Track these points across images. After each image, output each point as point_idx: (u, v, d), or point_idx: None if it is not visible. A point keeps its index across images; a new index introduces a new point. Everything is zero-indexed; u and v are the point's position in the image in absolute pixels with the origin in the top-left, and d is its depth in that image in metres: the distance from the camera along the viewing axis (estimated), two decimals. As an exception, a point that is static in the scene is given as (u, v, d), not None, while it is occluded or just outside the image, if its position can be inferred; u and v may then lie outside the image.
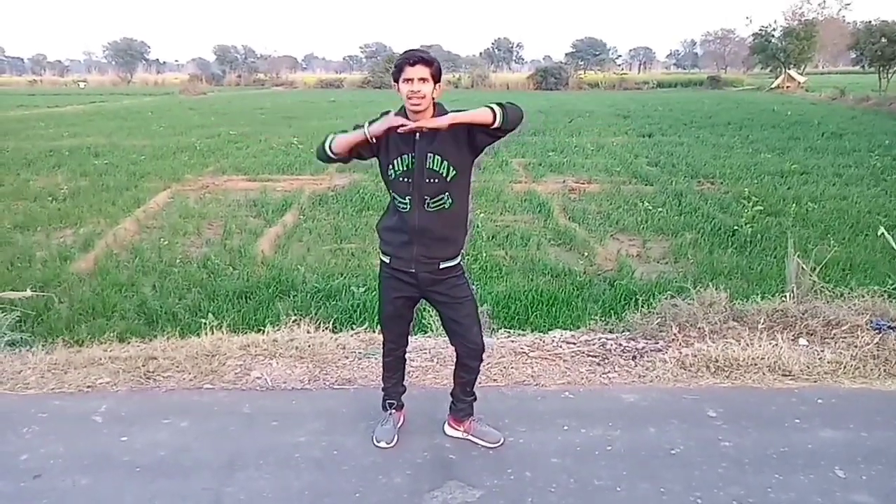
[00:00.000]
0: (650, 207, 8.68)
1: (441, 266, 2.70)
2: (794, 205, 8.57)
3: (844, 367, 3.63)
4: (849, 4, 46.46)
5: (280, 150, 14.55)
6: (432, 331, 4.27)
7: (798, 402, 3.32)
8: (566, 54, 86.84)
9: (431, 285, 2.74)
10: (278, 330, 4.10)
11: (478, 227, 7.82)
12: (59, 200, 9.44)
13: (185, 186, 10.54)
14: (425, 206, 2.61)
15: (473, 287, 2.88)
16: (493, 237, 7.42)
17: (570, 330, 4.34)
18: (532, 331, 4.35)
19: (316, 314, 4.44)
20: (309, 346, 3.86)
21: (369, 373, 3.63)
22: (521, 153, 13.89)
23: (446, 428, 3.05)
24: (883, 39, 28.78)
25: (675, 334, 3.98)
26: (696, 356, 3.73)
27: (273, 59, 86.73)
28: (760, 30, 43.30)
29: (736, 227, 7.45)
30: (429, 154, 2.55)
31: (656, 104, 28.89)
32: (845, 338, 3.87)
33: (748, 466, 2.78)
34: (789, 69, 41.63)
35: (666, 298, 4.43)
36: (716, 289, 4.37)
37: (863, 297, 4.27)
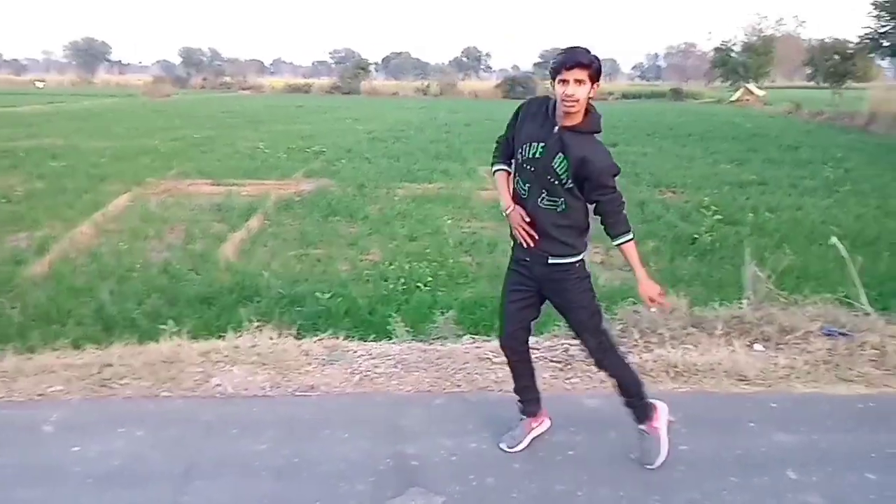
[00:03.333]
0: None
1: (550, 261, 2.65)
2: (751, 214, 8.80)
3: (797, 372, 3.73)
4: (804, 22, 48.34)
5: (246, 155, 14.38)
6: (396, 336, 4.26)
7: (753, 406, 3.40)
8: (534, 64, 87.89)
9: (544, 281, 2.71)
10: (240, 336, 4.02)
11: (445, 233, 7.84)
12: (13, 203, 9.16)
13: (147, 190, 10.33)
14: (540, 199, 2.60)
15: (595, 297, 2.78)
16: (460, 243, 7.45)
17: (535, 336, 4.37)
18: (497, 337, 4.36)
19: (280, 320, 4.39)
20: (271, 352, 3.81)
21: (332, 379, 3.59)
22: (488, 161, 13.95)
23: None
24: (836, 56, 29.86)
25: (636, 340, 4.04)
26: (656, 362, 3.79)
27: (240, 63, 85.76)
28: (721, 44, 44.51)
29: (696, 236, 7.62)
30: (559, 154, 2.54)
31: (621, 115, 29.37)
32: (798, 344, 3.98)
33: (705, 470, 2.84)
34: (748, 83, 42.83)
35: (628, 305, 4.50)
36: (676, 296, 4.45)
37: (815, 304, 4.40)
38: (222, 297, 5.58)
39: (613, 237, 2.63)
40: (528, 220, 2.62)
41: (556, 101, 2.53)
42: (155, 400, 3.38)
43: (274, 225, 8.21)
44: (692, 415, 3.29)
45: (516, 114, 2.73)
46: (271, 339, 3.96)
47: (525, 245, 2.65)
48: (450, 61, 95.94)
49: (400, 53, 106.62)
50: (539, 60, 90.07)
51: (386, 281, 6.06)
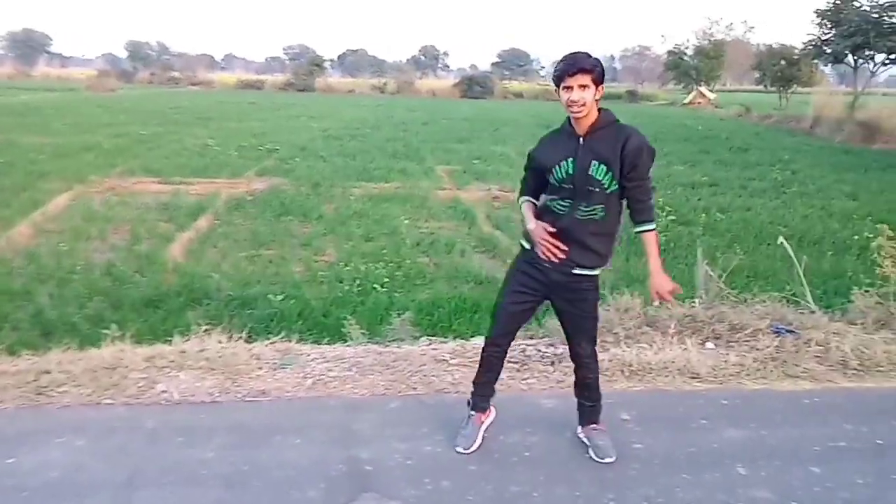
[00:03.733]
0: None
1: (574, 271, 2.68)
2: (703, 215, 9.01)
3: (747, 369, 3.81)
4: (753, 28, 49.68)
5: (195, 152, 13.98)
6: (351, 339, 4.18)
7: (705, 403, 3.45)
8: (492, 64, 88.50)
9: (559, 289, 2.72)
10: (188, 340, 3.89)
11: (402, 233, 7.77)
12: (-56, 201, 8.68)
13: (90, 188, 9.93)
14: (578, 212, 2.59)
15: (600, 309, 2.88)
16: (417, 244, 7.39)
17: (492, 336, 4.35)
18: (455, 338, 4.34)
19: (230, 323, 4.26)
20: (220, 356, 3.68)
21: (284, 384, 3.50)
22: (446, 160, 13.96)
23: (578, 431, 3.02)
24: (782, 62, 30.90)
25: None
26: (611, 361, 3.82)
27: (189, 58, 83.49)
28: (674, 48, 45.58)
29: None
30: (593, 161, 2.53)
31: (577, 116, 29.77)
32: (748, 341, 4.08)
33: (658, 467, 2.86)
34: (700, 86, 44.01)
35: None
36: (631, 295, 4.51)
37: (764, 302, 4.51)
38: (169, 299, 5.39)
39: (637, 223, 2.64)
40: (552, 230, 2.63)
41: (566, 121, 2.60)
42: (96, 408, 3.23)
43: (224, 225, 7.99)
44: (646, 413, 3.32)
45: (531, 153, 2.74)
46: (220, 342, 3.83)
47: (551, 260, 2.64)
48: (407, 59, 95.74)
49: (356, 51, 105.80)
50: (497, 60, 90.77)
51: (341, 282, 5.96)
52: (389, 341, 4.19)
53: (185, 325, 4.48)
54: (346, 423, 3.13)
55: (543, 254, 2.64)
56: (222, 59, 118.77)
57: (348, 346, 4.05)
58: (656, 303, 2.87)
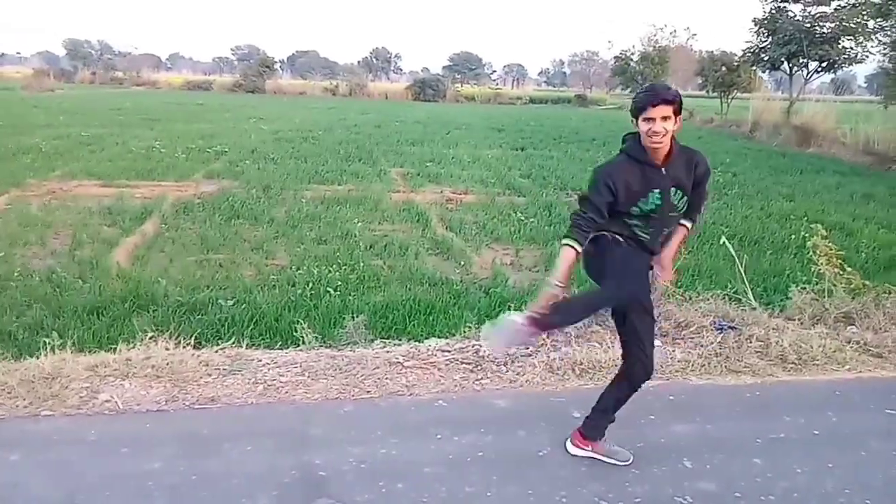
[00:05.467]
0: (523, 218, 9.00)
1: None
2: (650, 216, 9.23)
3: (692, 365, 3.94)
4: (695, 35, 51.12)
5: (140, 154, 13.54)
6: (304, 343, 4.13)
7: (653, 399, 3.54)
8: (444, 67, 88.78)
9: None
10: (133, 348, 3.77)
11: (355, 236, 7.71)
12: None
13: (27, 192, 9.50)
14: (662, 234, 2.69)
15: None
16: (371, 246, 7.34)
17: (446, 338, 4.37)
18: (409, 340, 4.33)
19: (177, 330, 4.14)
20: (167, 364, 3.59)
21: (234, 390, 3.43)
22: (399, 163, 13.93)
23: (569, 446, 2.97)
24: (723, 68, 31.96)
25: (544, 339, 4.12)
26: (563, 360, 3.89)
27: (133, 57, 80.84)
28: (621, 53, 46.60)
29: (600, 237, 7.90)
30: (673, 189, 2.59)
31: (529, 119, 30.19)
32: (693, 338, 4.21)
33: (608, 463, 2.92)
34: (646, 91, 45.13)
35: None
36: (581, 295, 4.59)
37: (707, 300, 4.68)
38: (114, 306, 5.20)
39: (686, 217, 2.75)
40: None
41: (635, 149, 2.57)
42: (34, 420, 3.10)
43: (171, 229, 7.77)
44: (597, 410, 3.38)
45: (604, 183, 2.56)
46: (167, 349, 3.73)
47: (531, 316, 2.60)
48: (359, 61, 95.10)
49: (307, 52, 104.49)
50: (449, 63, 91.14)
51: (293, 286, 5.87)
52: (343, 345, 4.16)
53: (131, 332, 4.34)
54: (298, 429, 3.09)
55: (538, 305, 2.59)
56: (168, 59, 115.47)
57: (301, 350, 4.00)
58: (663, 281, 2.99)
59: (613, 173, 2.57)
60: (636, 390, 2.87)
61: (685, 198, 2.66)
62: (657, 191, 2.57)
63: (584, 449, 2.94)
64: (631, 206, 2.58)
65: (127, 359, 3.63)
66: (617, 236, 2.66)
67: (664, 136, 2.49)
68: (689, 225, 2.78)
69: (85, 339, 4.39)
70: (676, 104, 2.49)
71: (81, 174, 11.07)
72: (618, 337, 2.87)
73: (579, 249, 2.55)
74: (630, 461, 2.91)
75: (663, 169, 2.58)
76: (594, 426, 2.93)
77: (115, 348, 3.79)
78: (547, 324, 2.67)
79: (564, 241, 2.56)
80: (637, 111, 2.51)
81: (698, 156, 2.69)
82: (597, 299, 2.83)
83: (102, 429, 3.04)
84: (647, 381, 2.85)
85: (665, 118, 2.47)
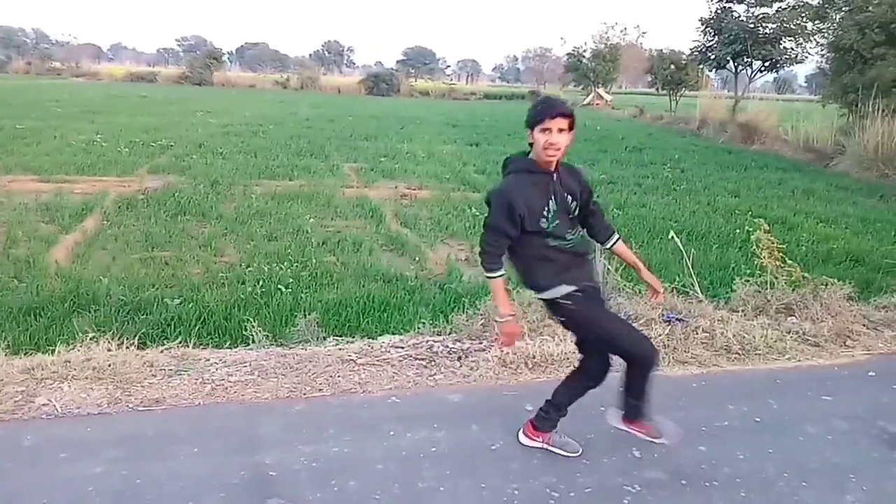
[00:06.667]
0: (477, 213, 9.02)
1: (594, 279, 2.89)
2: (601, 211, 9.39)
3: (641, 357, 4.01)
4: (645, 33, 52.33)
5: (80, 148, 13.00)
6: (254, 342, 4.05)
7: (602, 390, 3.58)
8: (397, 61, 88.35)
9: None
10: (72, 349, 3.62)
11: (307, 232, 7.60)
12: None
13: (-43, 187, 9.03)
14: (573, 239, 2.72)
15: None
16: (323, 243, 7.24)
17: (400, 335, 4.35)
18: (363, 337, 4.29)
19: (120, 330, 4.00)
20: (109, 365, 3.46)
21: (180, 391, 3.34)
22: (353, 158, 13.78)
23: (521, 437, 3.01)
24: (672, 66, 32.76)
25: (497, 334, 4.14)
26: (515, 354, 3.92)
27: (72, 47, 77.60)
28: (573, 50, 47.28)
29: (552, 231, 7.99)
30: (566, 195, 2.67)
31: (483, 114, 30.32)
32: (642, 330, 4.29)
33: (559, 455, 2.96)
34: (598, 88, 45.95)
35: (490, 300, 4.61)
36: (533, 290, 4.63)
37: (656, 293, 4.77)
38: (52, 306, 4.97)
39: (608, 237, 2.91)
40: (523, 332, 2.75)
41: (526, 163, 2.65)
42: (-36, 427, 2.94)
43: (114, 226, 7.48)
44: (548, 403, 3.42)
45: (507, 206, 2.60)
46: (109, 350, 3.60)
47: (504, 347, 2.86)
48: (310, 54, 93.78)
49: (257, 44, 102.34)
50: (402, 58, 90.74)
51: (243, 284, 5.74)
52: (294, 343, 4.09)
53: (71, 333, 4.17)
54: (247, 429, 3.03)
55: (503, 343, 2.82)
56: (109, 50, 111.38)
57: (251, 349, 3.92)
58: (656, 300, 3.04)
59: (511, 192, 2.63)
60: (596, 385, 2.96)
61: (577, 205, 2.74)
62: (553, 198, 2.65)
63: (535, 440, 2.98)
64: (538, 220, 2.63)
65: (66, 361, 3.49)
66: (563, 287, 2.69)
67: (559, 148, 2.56)
68: (619, 238, 2.92)
69: (21, 340, 4.19)
70: (571, 119, 2.58)
71: (16, 169, 10.56)
72: (564, 330, 2.99)
73: (502, 274, 2.70)
74: (579, 453, 2.96)
75: (553, 176, 2.66)
76: (546, 418, 2.97)
77: (54, 350, 3.64)
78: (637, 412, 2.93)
79: (488, 276, 2.72)
80: (534, 122, 2.57)
81: (582, 173, 2.84)
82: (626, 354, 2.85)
83: (39, 434, 2.92)
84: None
85: (561, 130, 2.54)
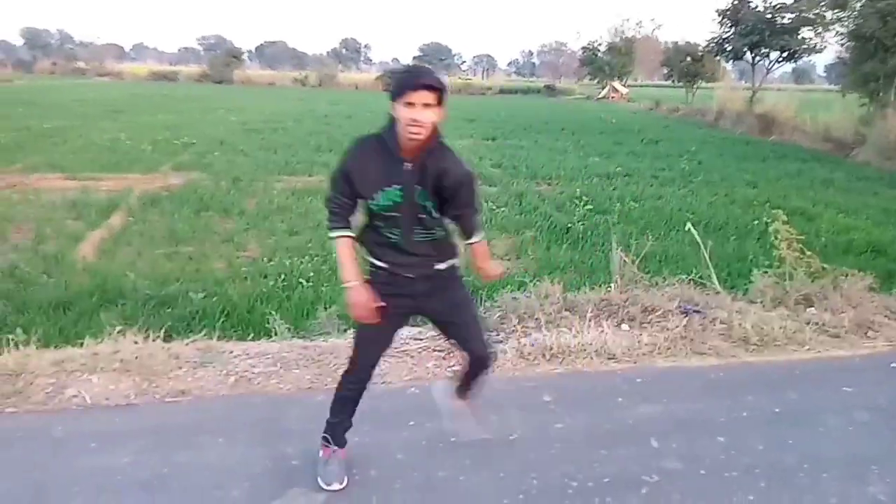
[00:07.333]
0: (494, 207, 9.05)
1: (436, 267, 2.43)
2: (618, 204, 9.37)
3: (658, 348, 4.03)
4: (661, 25, 51.96)
5: (105, 147, 13.25)
6: (277, 335, 4.12)
7: (621, 382, 3.63)
8: (414, 57, 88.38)
9: (433, 292, 2.46)
10: (100, 342, 3.72)
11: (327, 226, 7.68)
12: None
13: (-14, 186, 9.25)
14: (414, 235, 2.35)
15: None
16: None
17: (419, 327, 4.39)
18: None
19: (146, 323, 4.09)
20: (136, 357, 3.55)
21: (206, 382, 3.41)
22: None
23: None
24: (688, 58, 32.45)
25: (514, 326, 4.18)
26: (533, 345, 3.95)
27: (95, 47, 78.75)
28: (588, 44, 47.01)
29: (570, 225, 8.00)
30: (417, 187, 2.27)
31: (499, 109, 30.26)
32: (659, 322, 4.30)
33: (578, 445, 2.99)
34: (613, 81, 45.62)
35: (507, 292, 4.65)
36: (551, 282, 4.66)
37: (673, 285, 4.77)
38: (81, 301, 5.11)
39: (468, 236, 2.51)
40: (381, 304, 2.39)
41: (388, 133, 2.27)
42: (-2, 418, 3.04)
43: (139, 222, 7.64)
44: (566, 394, 3.46)
45: (344, 164, 2.37)
46: (136, 343, 3.68)
47: (358, 320, 2.43)
48: (328, 52, 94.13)
49: (275, 42, 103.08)
50: (419, 54, 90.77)
51: (265, 278, 5.83)
52: (315, 335, 4.16)
53: (98, 326, 4.27)
54: (271, 420, 3.09)
55: (359, 314, 2.40)
56: (132, 50, 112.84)
57: (273, 341, 3.99)
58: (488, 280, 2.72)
59: (357, 154, 2.35)
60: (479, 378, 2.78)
61: (433, 202, 2.32)
62: (397, 186, 2.27)
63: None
64: (370, 197, 2.31)
65: (94, 353, 3.58)
66: (376, 262, 2.42)
67: (423, 126, 2.17)
68: (478, 241, 2.51)
69: (50, 334, 4.30)
70: (439, 92, 2.17)
71: (44, 167, 10.80)
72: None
73: (349, 234, 2.40)
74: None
75: (409, 163, 2.26)
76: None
77: (82, 343, 3.74)
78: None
79: (331, 235, 2.40)
80: (396, 94, 2.17)
81: (453, 164, 2.30)
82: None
83: (69, 424, 3.00)
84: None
85: (426, 105, 2.15)
